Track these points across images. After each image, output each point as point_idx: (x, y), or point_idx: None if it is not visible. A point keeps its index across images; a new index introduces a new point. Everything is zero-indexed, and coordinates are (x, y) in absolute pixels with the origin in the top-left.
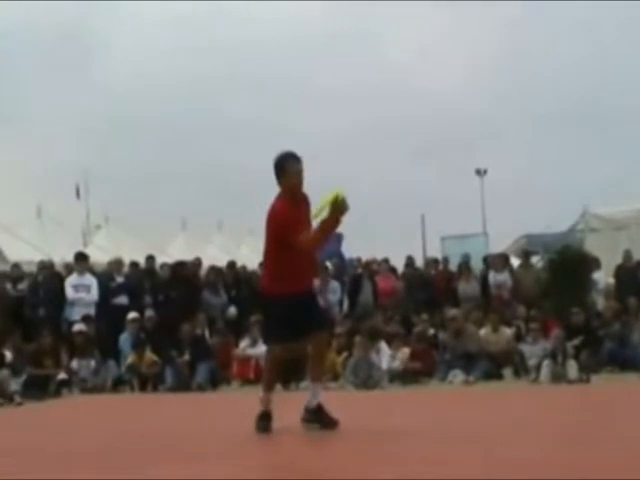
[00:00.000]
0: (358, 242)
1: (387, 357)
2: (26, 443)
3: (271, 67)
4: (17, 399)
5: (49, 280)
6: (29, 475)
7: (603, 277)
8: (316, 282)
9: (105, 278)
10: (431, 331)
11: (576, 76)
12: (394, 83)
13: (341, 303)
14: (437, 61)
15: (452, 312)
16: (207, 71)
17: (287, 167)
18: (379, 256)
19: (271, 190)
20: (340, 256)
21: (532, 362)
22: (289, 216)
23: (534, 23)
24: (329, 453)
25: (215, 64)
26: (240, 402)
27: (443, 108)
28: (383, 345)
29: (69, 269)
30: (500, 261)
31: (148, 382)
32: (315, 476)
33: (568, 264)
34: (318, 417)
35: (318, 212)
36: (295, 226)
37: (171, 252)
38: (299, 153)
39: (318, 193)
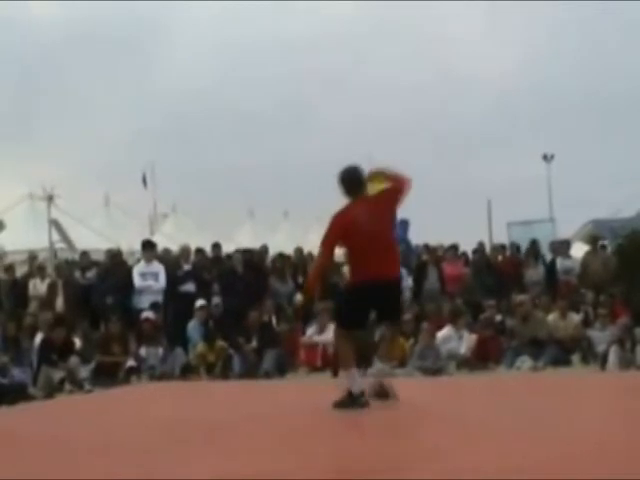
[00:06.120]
0: (425, 228)
1: (466, 343)
2: (77, 434)
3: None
4: (87, 386)
5: (117, 268)
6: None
7: None
8: None
9: (172, 266)
10: (498, 317)
11: None
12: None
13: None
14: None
15: (520, 298)
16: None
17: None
18: (445, 242)
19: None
20: (406, 243)
21: (600, 348)
22: None
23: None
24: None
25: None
26: (307, 389)
27: (502, 93)
28: (465, 332)
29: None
30: (564, 247)
31: (216, 369)
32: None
33: (637, 250)
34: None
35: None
36: None
37: (238, 240)
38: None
39: None
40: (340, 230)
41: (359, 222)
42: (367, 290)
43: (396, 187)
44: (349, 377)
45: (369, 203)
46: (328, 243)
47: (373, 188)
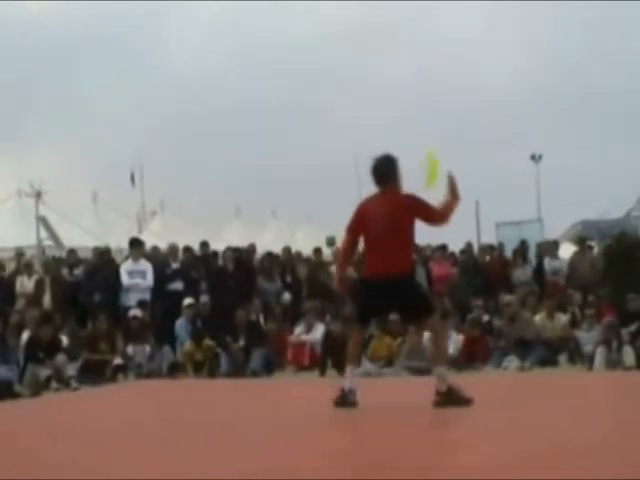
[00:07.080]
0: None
1: (454, 344)
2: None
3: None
4: (73, 384)
5: (105, 266)
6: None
7: None
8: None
9: (160, 264)
10: (486, 317)
11: None
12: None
13: None
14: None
15: (507, 298)
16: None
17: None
18: (434, 242)
19: (325, 182)
20: None
21: (587, 349)
22: None
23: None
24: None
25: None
26: (294, 388)
27: (495, 97)
28: (452, 333)
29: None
30: (553, 247)
31: (203, 367)
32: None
33: (624, 250)
34: (450, 398)
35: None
36: None
37: (226, 238)
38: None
39: None
40: (357, 219)
41: (370, 217)
42: (370, 285)
43: (435, 216)
44: (346, 373)
45: (393, 198)
46: (348, 230)
47: (430, 172)
